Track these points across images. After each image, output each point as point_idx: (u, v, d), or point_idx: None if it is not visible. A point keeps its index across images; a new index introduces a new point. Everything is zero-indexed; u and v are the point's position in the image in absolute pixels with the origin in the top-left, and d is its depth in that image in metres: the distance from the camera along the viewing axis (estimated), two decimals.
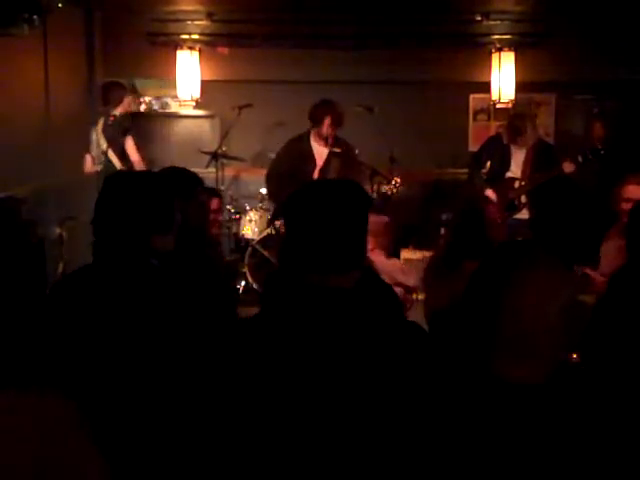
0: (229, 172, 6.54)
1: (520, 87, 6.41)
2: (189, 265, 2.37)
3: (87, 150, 5.68)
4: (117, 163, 5.56)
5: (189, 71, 6.44)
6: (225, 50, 6.66)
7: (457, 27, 6.48)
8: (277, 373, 1.55)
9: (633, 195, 3.69)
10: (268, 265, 5.55)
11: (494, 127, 6.60)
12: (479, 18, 6.44)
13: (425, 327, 2.85)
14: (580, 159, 5.01)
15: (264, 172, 5.67)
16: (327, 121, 5.17)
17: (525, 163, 5.34)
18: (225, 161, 6.16)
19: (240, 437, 1.57)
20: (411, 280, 3.88)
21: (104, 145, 5.56)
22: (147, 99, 6.81)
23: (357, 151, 5.47)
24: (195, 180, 2.75)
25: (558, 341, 2.67)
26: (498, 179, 5.41)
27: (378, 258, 3.84)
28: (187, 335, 1.97)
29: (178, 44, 6.42)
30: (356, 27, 6.43)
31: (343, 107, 5.26)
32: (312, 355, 1.55)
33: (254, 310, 1.74)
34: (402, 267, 4.16)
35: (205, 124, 6.88)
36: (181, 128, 6.94)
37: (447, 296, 2.98)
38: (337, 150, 5.30)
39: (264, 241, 5.70)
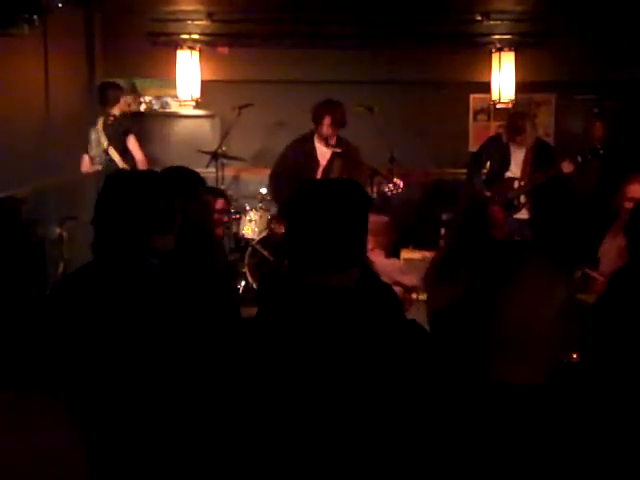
0: (229, 172, 6.54)
1: (520, 87, 6.41)
2: (191, 265, 2.37)
3: (85, 150, 5.68)
4: (119, 162, 5.57)
5: (189, 71, 6.44)
6: (225, 50, 6.67)
7: (457, 27, 6.48)
8: (279, 372, 1.55)
9: (637, 194, 3.68)
10: (268, 265, 5.55)
11: (494, 127, 6.60)
12: (479, 18, 6.45)
13: (426, 327, 2.85)
14: (579, 159, 5.01)
15: (264, 172, 5.67)
16: (326, 121, 5.17)
17: (524, 163, 5.35)
18: (225, 161, 6.16)
19: (242, 437, 1.57)
20: (410, 280, 3.88)
21: (105, 144, 5.57)
22: (147, 99, 6.81)
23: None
24: (197, 180, 2.75)
25: (556, 342, 2.67)
26: (497, 179, 5.41)
27: (378, 258, 3.84)
28: (188, 335, 1.97)
29: (178, 44, 6.42)
30: (356, 27, 6.43)
31: (343, 107, 5.25)
32: (313, 354, 1.55)
33: (254, 310, 1.74)
34: (401, 267, 4.16)
35: (205, 124, 6.89)
36: (181, 128, 6.95)
37: (447, 296, 2.97)
38: (338, 150, 5.30)
39: (264, 241, 5.71)
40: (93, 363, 1.92)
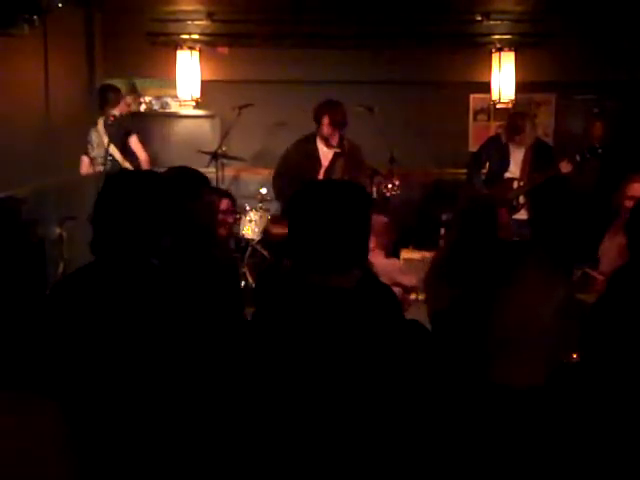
0: (229, 172, 6.54)
1: (520, 87, 6.41)
2: (193, 265, 2.37)
3: (84, 151, 5.68)
4: (122, 162, 5.59)
5: (189, 71, 6.44)
6: (225, 50, 6.66)
7: (457, 27, 6.48)
8: (281, 372, 1.55)
9: (637, 193, 3.68)
10: (265, 264, 5.55)
11: (494, 127, 6.60)
12: (479, 18, 6.44)
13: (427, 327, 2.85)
14: (578, 159, 5.01)
15: (264, 172, 5.66)
16: (325, 121, 5.17)
17: (524, 163, 5.35)
18: (225, 161, 6.16)
19: (243, 436, 1.57)
20: (410, 280, 3.88)
21: (107, 145, 5.58)
22: (147, 99, 6.81)
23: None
24: (202, 180, 2.75)
25: (556, 341, 2.68)
26: (497, 179, 5.42)
27: (377, 258, 3.84)
28: (187, 336, 1.97)
29: (178, 44, 6.42)
30: (356, 27, 6.42)
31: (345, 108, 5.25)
32: (314, 354, 1.55)
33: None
34: (401, 267, 4.15)
35: (205, 124, 6.88)
36: (181, 128, 6.95)
37: (448, 297, 2.97)
38: (338, 150, 5.30)
39: (264, 241, 5.71)
40: (93, 363, 1.92)
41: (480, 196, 4.74)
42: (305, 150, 5.36)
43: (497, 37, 6.43)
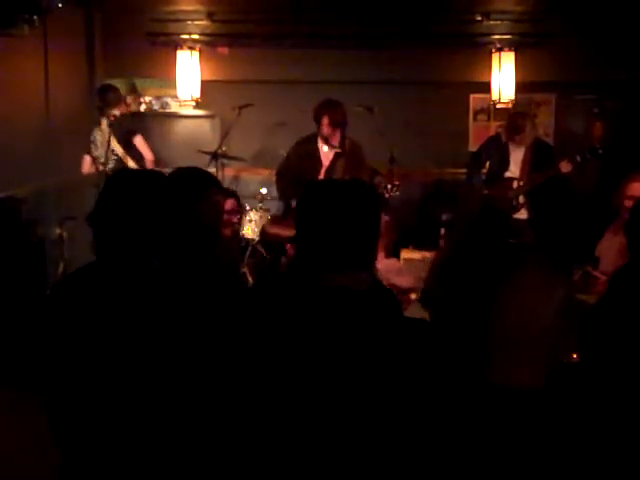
0: (229, 172, 6.53)
1: (520, 87, 6.40)
2: (196, 265, 2.36)
3: (87, 150, 5.69)
4: (127, 162, 5.62)
5: (189, 71, 6.44)
6: (225, 50, 6.66)
7: (457, 27, 6.47)
8: (292, 371, 1.55)
9: (637, 193, 3.69)
10: (265, 264, 5.55)
11: (494, 127, 6.59)
12: (479, 18, 6.44)
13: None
14: (578, 159, 5.01)
15: (264, 172, 5.65)
16: (325, 121, 5.16)
17: (524, 162, 5.35)
18: (225, 161, 6.16)
19: (247, 437, 1.57)
20: (407, 281, 3.87)
21: (113, 144, 5.60)
22: (147, 99, 6.81)
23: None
24: (208, 180, 2.74)
25: (556, 342, 2.67)
26: (497, 179, 5.42)
27: (377, 258, 3.82)
28: (189, 336, 1.97)
29: (178, 44, 6.42)
30: (356, 27, 6.42)
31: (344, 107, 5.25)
32: (320, 354, 1.54)
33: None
34: (399, 267, 4.14)
35: (205, 124, 6.88)
36: (181, 128, 6.94)
37: (450, 297, 2.96)
38: (339, 150, 5.30)
39: (262, 241, 5.70)
40: (92, 363, 1.92)
41: (491, 199, 4.74)
42: (306, 150, 5.36)
43: (497, 37, 6.42)
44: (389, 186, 5.30)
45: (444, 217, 5.60)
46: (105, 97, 5.69)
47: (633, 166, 4.13)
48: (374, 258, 1.70)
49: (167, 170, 2.70)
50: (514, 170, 5.39)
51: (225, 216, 3.17)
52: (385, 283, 2.84)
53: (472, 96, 6.74)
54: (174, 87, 6.49)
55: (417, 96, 6.56)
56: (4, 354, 2.62)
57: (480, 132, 6.58)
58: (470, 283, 2.76)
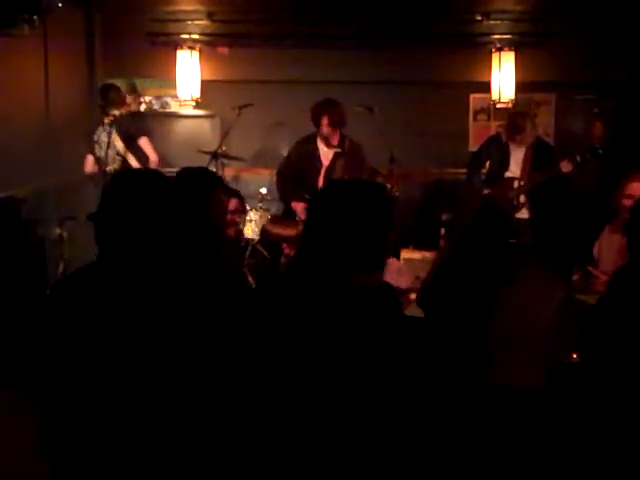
0: (229, 172, 6.53)
1: (520, 87, 6.40)
2: (202, 265, 2.36)
3: (91, 151, 5.68)
4: (133, 162, 5.63)
5: (189, 71, 6.44)
6: (225, 50, 6.66)
7: (457, 27, 6.47)
8: (307, 370, 1.54)
9: (636, 192, 3.69)
10: (265, 264, 5.55)
11: (494, 127, 6.60)
12: (479, 18, 6.44)
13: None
14: (578, 159, 5.01)
15: (264, 172, 5.65)
16: (324, 121, 5.16)
17: (524, 162, 5.35)
18: (225, 161, 6.16)
19: (253, 438, 1.57)
20: (406, 282, 3.86)
21: (119, 145, 5.62)
22: (147, 99, 6.81)
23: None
24: (214, 180, 2.74)
25: (555, 342, 2.67)
26: (497, 179, 5.42)
27: None
28: (191, 337, 1.97)
29: (178, 44, 6.42)
30: (356, 27, 6.42)
31: (343, 107, 5.25)
32: (328, 354, 1.54)
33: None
34: (399, 267, 4.14)
35: (205, 124, 6.88)
36: (181, 128, 6.94)
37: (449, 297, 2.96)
38: (338, 150, 5.30)
39: (263, 241, 5.70)
40: (92, 363, 1.91)
41: (491, 199, 4.74)
42: (306, 150, 5.37)
43: (497, 37, 6.42)
44: (389, 186, 5.30)
45: (444, 217, 5.60)
46: (107, 96, 5.70)
47: (633, 166, 4.13)
48: (386, 255, 1.71)
49: (168, 170, 2.70)
50: (514, 170, 5.39)
51: (229, 216, 3.16)
52: None
53: (472, 96, 6.74)
54: (174, 87, 6.49)
55: (417, 96, 6.56)
56: (4, 354, 2.62)
57: (480, 132, 6.58)
58: (470, 283, 2.75)
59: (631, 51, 6.26)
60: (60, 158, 5.46)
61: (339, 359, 1.55)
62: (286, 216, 5.52)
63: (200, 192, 2.58)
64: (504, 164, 5.41)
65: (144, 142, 5.77)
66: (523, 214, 5.28)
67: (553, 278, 2.72)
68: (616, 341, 2.60)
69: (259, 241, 5.70)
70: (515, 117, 5.49)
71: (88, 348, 1.91)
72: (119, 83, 6.12)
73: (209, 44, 6.56)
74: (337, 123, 5.19)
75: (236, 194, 4.02)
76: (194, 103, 6.54)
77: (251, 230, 5.74)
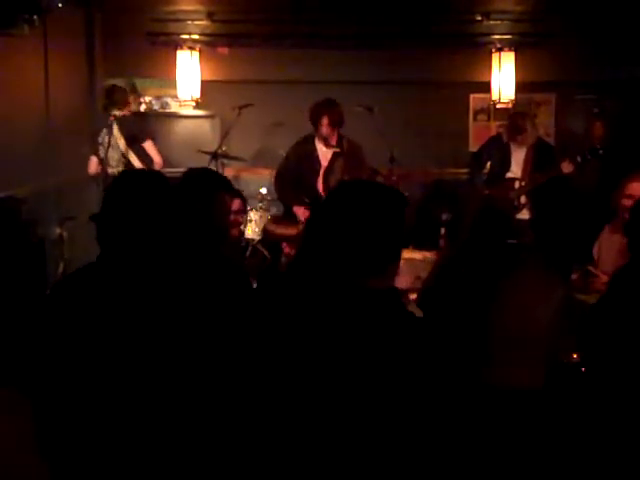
0: (229, 172, 6.52)
1: (520, 87, 6.41)
2: (204, 265, 2.36)
3: (95, 152, 5.68)
4: (136, 163, 5.64)
5: (189, 71, 6.44)
6: (225, 50, 6.66)
7: (457, 27, 6.48)
8: (317, 372, 1.54)
9: (636, 192, 3.69)
10: (266, 264, 5.55)
11: (494, 127, 6.60)
12: (479, 18, 6.44)
13: None
14: (579, 159, 5.01)
15: (264, 172, 5.64)
16: (324, 121, 5.16)
17: (525, 163, 5.35)
18: (225, 161, 6.15)
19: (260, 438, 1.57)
20: (405, 282, 3.86)
21: (123, 146, 5.63)
22: (147, 99, 6.81)
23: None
24: (219, 181, 2.73)
25: (555, 342, 2.67)
26: (498, 179, 5.42)
27: None
28: (192, 337, 1.96)
29: (178, 44, 6.42)
30: (356, 27, 6.42)
31: (343, 107, 5.25)
32: (339, 357, 1.54)
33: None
34: (400, 267, 4.13)
35: (205, 124, 6.88)
36: (181, 128, 6.94)
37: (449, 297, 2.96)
38: (337, 150, 5.29)
39: (264, 241, 5.70)
40: (92, 363, 1.91)
41: (491, 199, 4.74)
42: (304, 151, 5.36)
43: (497, 37, 6.43)
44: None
45: (444, 217, 5.60)
46: (112, 97, 5.72)
47: (633, 166, 4.13)
48: (400, 254, 1.71)
49: (168, 170, 2.70)
50: (515, 170, 5.39)
51: (232, 216, 3.16)
52: None
53: (472, 96, 6.74)
54: (174, 87, 6.49)
55: (417, 96, 6.57)
56: (4, 354, 2.62)
57: (480, 132, 6.59)
58: (470, 283, 2.75)
59: (631, 51, 6.26)
60: (60, 158, 5.46)
61: (340, 358, 1.55)
62: (286, 216, 5.52)
63: (205, 193, 2.58)
64: (505, 165, 5.41)
65: (149, 145, 5.79)
66: (524, 215, 5.28)
67: (553, 278, 2.72)
68: (616, 341, 2.60)
69: (259, 241, 5.70)
70: (516, 117, 5.49)
71: (88, 348, 1.91)
72: (119, 83, 6.12)
73: (209, 44, 6.56)
74: (336, 123, 5.19)
75: (239, 194, 4.01)
76: (194, 103, 6.55)
77: (251, 230, 5.73)
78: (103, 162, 5.60)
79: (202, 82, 6.49)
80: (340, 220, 1.64)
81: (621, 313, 2.62)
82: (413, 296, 3.88)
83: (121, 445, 1.87)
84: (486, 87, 6.51)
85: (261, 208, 5.84)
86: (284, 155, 5.57)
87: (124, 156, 5.68)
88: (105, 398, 1.89)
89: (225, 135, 6.07)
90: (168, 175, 2.26)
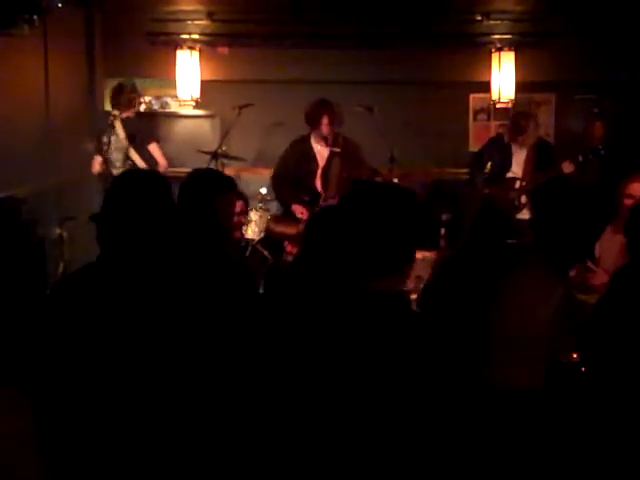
0: (229, 172, 6.48)
1: (520, 87, 6.40)
2: (207, 266, 2.36)
3: (99, 152, 5.67)
4: (140, 163, 5.64)
5: (189, 71, 6.44)
6: (225, 50, 6.66)
7: (457, 27, 6.47)
8: (326, 373, 1.54)
9: (636, 192, 3.69)
10: (268, 265, 5.54)
11: (494, 127, 6.60)
12: (479, 18, 6.44)
13: None
14: (580, 159, 5.01)
15: (264, 172, 5.64)
16: (324, 121, 5.17)
17: (526, 163, 5.35)
18: (225, 161, 6.15)
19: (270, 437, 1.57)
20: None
21: (126, 147, 5.63)
22: (147, 99, 6.81)
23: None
24: (222, 182, 2.73)
25: (555, 342, 2.67)
26: (499, 179, 5.41)
27: None
28: (193, 338, 1.96)
29: (178, 44, 6.42)
30: (356, 27, 6.42)
31: (343, 107, 5.26)
32: (351, 360, 1.54)
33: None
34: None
35: (205, 124, 6.87)
36: (181, 128, 6.94)
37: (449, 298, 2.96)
38: (337, 150, 5.30)
39: (264, 241, 5.70)
40: (92, 363, 1.91)
41: (492, 199, 4.73)
42: (301, 150, 5.37)
43: (497, 37, 6.42)
44: None
45: (444, 217, 5.60)
46: (117, 97, 5.73)
47: (633, 166, 4.13)
48: (414, 255, 1.71)
49: (168, 170, 2.70)
50: (516, 170, 5.39)
51: (235, 218, 3.16)
52: None
53: (472, 96, 6.74)
54: (174, 87, 6.48)
55: (417, 96, 6.56)
56: (4, 354, 2.61)
57: (480, 132, 6.58)
58: (470, 283, 2.75)
59: (631, 51, 6.25)
60: (60, 158, 5.46)
61: (343, 358, 1.55)
62: (287, 216, 5.52)
63: (209, 194, 2.59)
64: (506, 165, 5.41)
65: (153, 147, 5.79)
66: (524, 215, 5.28)
67: (553, 278, 2.72)
68: (616, 341, 2.60)
69: (259, 241, 5.70)
70: (518, 117, 5.49)
71: (88, 348, 1.91)
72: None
73: (209, 44, 6.56)
74: (337, 122, 5.21)
75: (240, 196, 4.01)
76: (194, 103, 6.54)
77: (251, 230, 5.73)
78: (107, 162, 5.60)
79: (202, 82, 6.49)
80: (357, 221, 1.64)
81: (621, 313, 2.62)
82: (413, 296, 3.88)
83: (121, 445, 1.87)
84: (486, 87, 6.51)
85: (261, 208, 5.83)
86: (281, 155, 5.57)
87: (128, 157, 5.68)
88: (105, 398, 1.89)
89: (225, 135, 6.07)
90: (168, 175, 2.26)
